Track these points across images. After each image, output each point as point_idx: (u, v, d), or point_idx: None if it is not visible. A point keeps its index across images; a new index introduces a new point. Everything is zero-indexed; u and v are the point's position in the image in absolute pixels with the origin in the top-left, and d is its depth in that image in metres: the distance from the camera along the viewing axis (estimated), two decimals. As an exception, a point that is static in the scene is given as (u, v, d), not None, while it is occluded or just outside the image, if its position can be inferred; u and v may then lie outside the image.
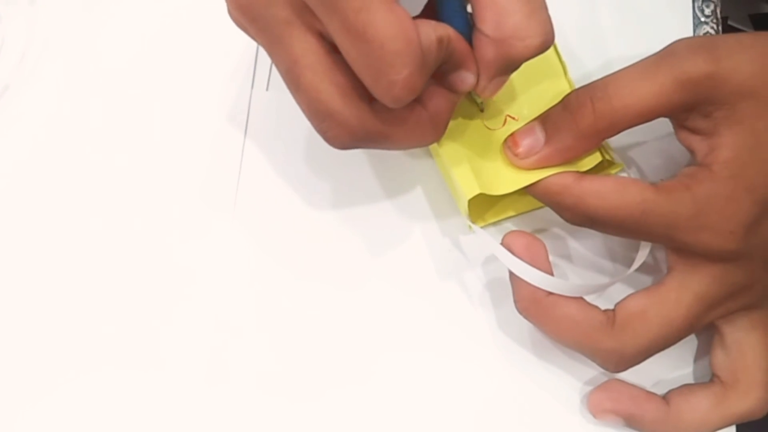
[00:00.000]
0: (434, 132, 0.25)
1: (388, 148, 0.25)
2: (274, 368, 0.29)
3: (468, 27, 0.24)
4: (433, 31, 0.22)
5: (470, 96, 0.28)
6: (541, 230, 0.31)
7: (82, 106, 0.32)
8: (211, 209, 0.31)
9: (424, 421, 0.29)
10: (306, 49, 0.22)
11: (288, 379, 0.29)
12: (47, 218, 0.31)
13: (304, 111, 0.24)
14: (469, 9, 0.24)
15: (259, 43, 0.24)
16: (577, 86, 0.28)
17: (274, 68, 0.33)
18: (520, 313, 0.27)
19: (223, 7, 0.30)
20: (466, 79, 0.24)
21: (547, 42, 0.23)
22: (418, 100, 0.24)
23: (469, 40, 0.24)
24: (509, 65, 0.24)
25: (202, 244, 0.31)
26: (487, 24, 0.23)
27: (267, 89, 0.33)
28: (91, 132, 0.32)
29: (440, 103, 0.25)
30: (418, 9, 0.25)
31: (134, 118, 0.32)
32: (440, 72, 0.24)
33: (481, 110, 0.28)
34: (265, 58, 0.33)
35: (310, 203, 0.31)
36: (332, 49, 0.22)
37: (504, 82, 0.25)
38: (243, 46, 0.33)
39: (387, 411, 0.29)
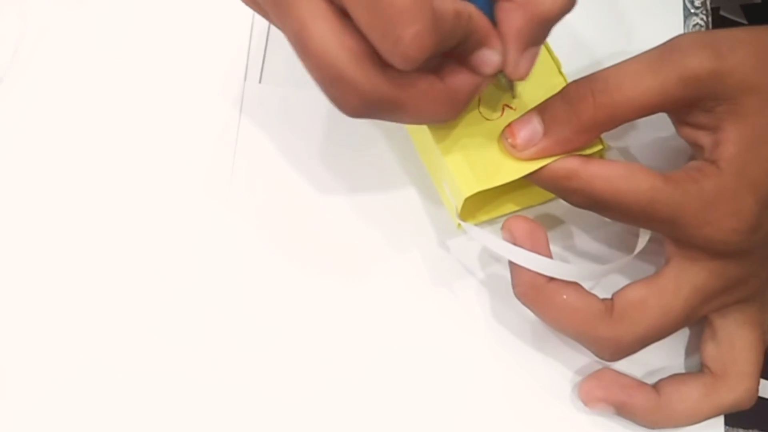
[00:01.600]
0: (451, 108, 0.24)
1: (401, 120, 0.24)
2: (269, 362, 0.29)
3: (489, 7, 0.24)
4: (451, 2, 0.22)
5: (499, 83, 0.28)
6: (542, 221, 0.31)
7: (75, 100, 0.32)
8: (204, 202, 0.31)
9: (417, 410, 0.29)
10: (314, 12, 0.22)
11: (283, 372, 0.29)
12: (41, 212, 0.31)
13: (314, 77, 0.23)
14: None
15: (265, 12, 0.24)
16: (569, 79, 0.28)
17: (267, 60, 0.33)
18: (519, 298, 0.27)
19: (217, 0, 0.30)
20: (490, 57, 0.24)
21: None
22: (436, 74, 0.24)
23: (492, 20, 0.24)
24: (538, 30, 0.24)
25: (195, 236, 0.31)
26: None
27: (260, 81, 0.32)
28: (85, 125, 0.32)
29: (460, 80, 0.24)
30: None
31: (127, 111, 0.32)
32: (463, 52, 0.24)
33: (513, 97, 0.28)
34: (258, 50, 0.33)
35: (303, 196, 0.31)
36: (341, 13, 0.22)
37: (535, 56, 0.25)
38: (236, 38, 0.33)
39: (381, 401, 0.29)
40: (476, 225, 0.30)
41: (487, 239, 0.27)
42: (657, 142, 0.32)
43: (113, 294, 0.30)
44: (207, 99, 0.32)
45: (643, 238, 0.28)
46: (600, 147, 0.27)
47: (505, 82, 0.27)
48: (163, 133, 0.32)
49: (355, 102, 0.23)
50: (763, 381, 0.28)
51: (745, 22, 0.62)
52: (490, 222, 0.31)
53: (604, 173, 0.25)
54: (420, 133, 0.29)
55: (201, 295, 0.30)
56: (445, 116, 0.25)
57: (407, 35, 0.21)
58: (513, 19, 0.23)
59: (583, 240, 0.31)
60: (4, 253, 0.30)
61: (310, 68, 0.23)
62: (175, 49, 0.33)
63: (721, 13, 0.62)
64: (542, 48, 0.28)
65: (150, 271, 0.30)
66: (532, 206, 0.31)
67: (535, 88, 0.28)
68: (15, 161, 0.31)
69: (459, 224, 0.29)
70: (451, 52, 0.24)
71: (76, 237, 0.30)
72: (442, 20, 0.21)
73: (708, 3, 0.35)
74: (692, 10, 0.34)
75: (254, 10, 0.25)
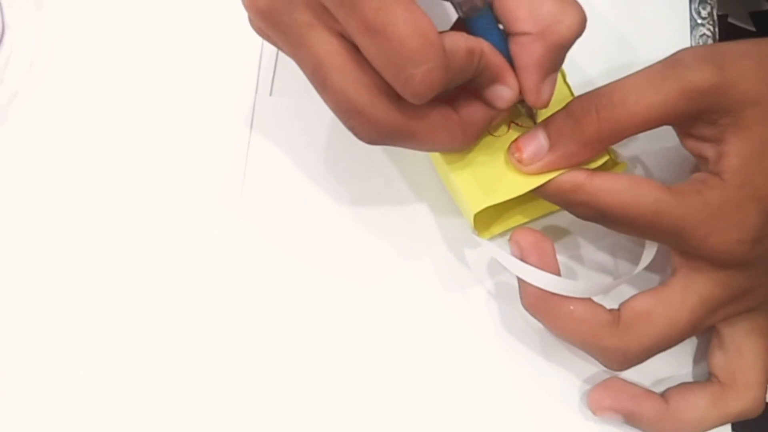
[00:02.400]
0: (464, 137, 0.26)
1: (416, 147, 0.26)
2: (281, 366, 0.30)
3: (503, 42, 0.25)
4: (464, 41, 0.23)
5: (519, 111, 0.28)
6: (548, 232, 0.31)
7: (90, 112, 0.33)
8: (216, 212, 0.32)
9: (426, 414, 0.30)
10: (329, 50, 0.23)
11: (294, 377, 0.30)
12: (58, 220, 0.32)
13: (332, 110, 0.24)
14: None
15: (281, 48, 0.25)
16: (575, 91, 0.29)
17: (277, 73, 0.33)
18: (527, 309, 0.28)
19: (228, 14, 0.31)
20: (503, 93, 0.25)
21: (583, 19, 0.24)
22: (451, 105, 0.25)
23: (506, 55, 0.25)
24: (556, 56, 0.25)
25: (207, 244, 0.31)
26: (523, 22, 0.24)
27: (270, 94, 0.33)
28: (99, 137, 0.32)
29: (474, 113, 0.25)
30: (444, 27, 0.26)
31: (141, 123, 0.33)
32: (477, 86, 0.25)
33: (534, 122, 0.28)
34: (269, 63, 0.33)
35: (314, 206, 0.32)
36: (354, 48, 0.23)
37: (554, 82, 0.26)
38: (247, 52, 0.33)
39: (391, 407, 0.30)
40: (491, 238, 0.31)
41: (498, 254, 0.28)
42: (664, 152, 0.32)
43: (125, 298, 0.31)
44: (219, 111, 0.33)
45: (650, 251, 0.29)
46: (606, 158, 0.28)
47: (525, 111, 0.28)
48: (176, 145, 0.32)
49: (372, 133, 0.24)
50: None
51: (753, 29, 0.62)
52: (502, 234, 0.31)
53: (609, 186, 0.26)
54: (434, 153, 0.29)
55: (213, 300, 0.31)
56: (458, 146, 0.26)
57: (417, 74, 0.22)
58: (531, 50, 0.24)
59: (589, 250, 0.31)
60: (28, 259, 0.31)
61: (329, 102, 0.24)
62: (187, 63, 0.33)
63: (729, 20, 0.62)
64: None
65: (163, 277, 0.31)
66: (543, 216, 0.31)
67: None
68: (32, 172, 0.32)
69: (476, 239, 0.30)
70: (466, 85, 0.25)
71: (92, 244, 0.31)
72: (454, 58, 0.22)
73: (715, 14, 0.35)
74: (699, 21, 0.34)
75: (266, 40, 0.26)
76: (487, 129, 0.26)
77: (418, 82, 0.22)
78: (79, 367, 0.30)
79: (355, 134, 0.24)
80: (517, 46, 0.24)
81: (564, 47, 0.24)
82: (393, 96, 0.23)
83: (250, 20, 0.25)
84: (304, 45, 0.23)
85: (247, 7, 0.24)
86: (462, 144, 0.26)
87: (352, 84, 0.23)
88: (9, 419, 0.30)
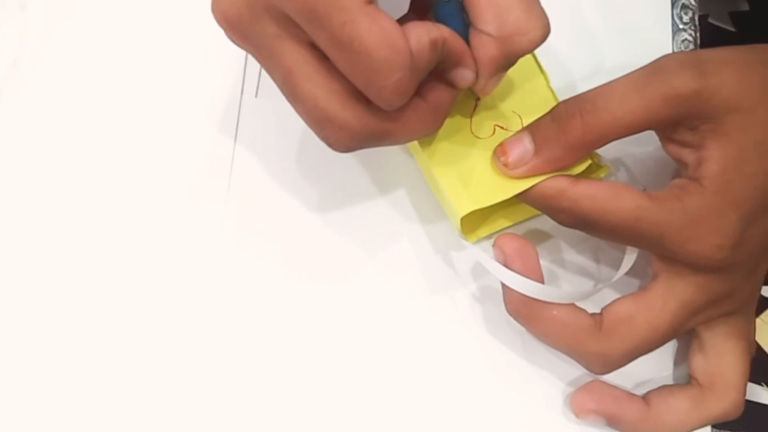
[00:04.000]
0: (435, 122, 0.26)
1: (391, 144, 0.26)
2: (263, 369, 0.30)
3: (465, 27, 0.25)
4: (426, 33, 0.23)
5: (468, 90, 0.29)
6: (531, 236, 0.31)
7: (74, 111, 0.32)
8: (202, 212, 0.31)
9: (411, 417, 0.30)
10: (298, 60, 0.23)
11: (276, 376, 0.30)
12: (41, 218, 0.31)
13: (304, 119, 0.24)
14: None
15: (253, 56, 0.25)
16: (558, 95, 0.29)
17: (262, 75, 0.33)
18: (510, 314, 0.28)
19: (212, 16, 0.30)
20: (465, 75, 0.25)
21: (546, 34, 0.24)
22: (417, 93, 0.25)
23: (466, 39, 0.25)
24: (510, 61, 0.25)
25: (193, 245, 0.31)
26: (487, 23, 0.24)
27: (256, 96, 0.33)
28: (83, 136, 0.32)
29: (440, 96, 0.25)
30: (402, 11, 0.26)
31: (125, 123, 0.32)
32: (439, 70, 0.25)
33: (477, 98, 0.29)
34: (253, 65, 0.33)
35: (299, 207, 0.32)
36: (323, 56, 0.23)
37: (501, 78, 0.26)
38: (232, 53, 0.33)
39: (374, 407, 0.30)
40: (476, 242, 0.31)
41: (483, 259, 0.28)
42: (646, 156, 0.32)
43: (110, 296, 0.31)
44: (205, 112, 0.33)
45: (630, 256, 0.29)
46: (589, 163, 0.28)
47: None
48: (161, 145, 0.32)
49: (346, 140, 0.24)
50: (749, 384, 0.29)
51: (732, 29, 0.63)
52: (487, 238, 0.31)
53: (590, 192, 0.26)
54: (417, 152, 0.29)
55: (199, 298, 0.31)
56: (430, 131, 0.26)
57: (389, 85, 0.22)
58: (489, 49, 0.24)
59: (571, 254, 0.32)
60: (17, 256, 0.31)
61: (300, 112, 0.24)
62: (172, 64, 0.33)
63: (710, 20, 0.62)
64: (532, 63, 0.29)
65: (149, 274, 0.31)
66: (529, 219, 0.31)
67: (525, 103, 0.29)
68: (16, 171, 0.32)
69: (463, 242, 0.30)
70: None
71: (77, 244, 0.31)
72: (420, 59, 0.23)
73: (696, 19, 0.35)
74: (681, 26, 0.35)
75: (241, 49, 0.25)
76: (451, 108, 0.26)
77: (390, 93, 0.22)
78: (66, 358, 0.30)
79: (329, 144, 0.24)
80: (476, 40, 0.25)
81: (520, 56, 0.25)
82: (364, 100, 0.23)
83: (222, 28, 0.25)
84: (273, 56, 0.23)
85: (216, 19, 0.24)
86: (434, 128, 0.26)
87: (321, 92, 0.23)
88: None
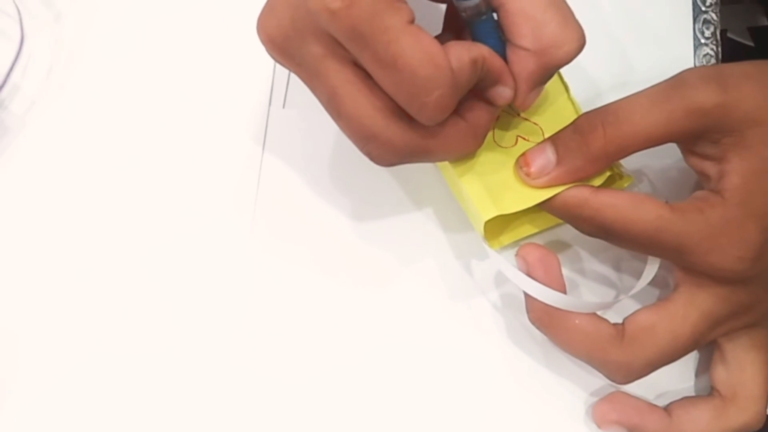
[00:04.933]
0: (474, 142, 0.27)
1: (431, 161, 0.27)
2: (282, 373, 0.31)
3: (502, 45, 0.25)
4: (467, 53, 0.24)
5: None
6: (553, 246, 0.32)
7: (105, 121, 0.33)
8: (230, 221, 0.32)
9: (431, 425, 0.30)
10: (343, 79, 0.24)
11: (296, 381, 0.31)
12: (75, 226, 0.32)
13: (348, 135, 0.25)
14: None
15: (297, 75, 0.26)
16: (582, 107, 0.29)
17: (290, 86, 0.34)
18: (533, 323, 0.28)
19: (243, 28, 0.31)
20: (504, 93, 0.26)
21: (582, 45, 0.25)
22: (456, 113, 0.26)
23: (503, 56, 0.25)
24: (549, 74, 0.26)
25: (221, 254, 0.32)
26: (525, 38, 0.25)
27: (283, 107, 0.34)
28: (114, 145, 0.33)
29: (479, 115, 0.26)
30: (435, 31, 0.27)
31: (156, 133, 0.33)
32: (478, 88, 0.25)
33: (518, 114, 0.29)
34: (281, 76, 0.34)
35: (325, 216, 0.32)
36: (367, 75, 0.24)
37: (540, 92, 0.27)
38: (261, 65, 0.34)
39: (395, 414, 0.30)
40: (499, 250, 0.31)
41: (505, 268, 0.28)
42: (668, 168, 0.33)
43: (143, 303, 0.31)
44: (234, 123, 0.33)
45: (652, 267, 0.29)
46: (609, 174, 0.28)
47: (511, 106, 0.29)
48: (191, 155, 0.33)
49: (389, 156, 0.25)
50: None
51: (751, 44, 0.63)
52: (510, 245, 0.32)
53: (613, 202, 0.26)
54: (443, 163, 0.30)
55: (225, 306, 0.31)
56: (469, 150, 0.27)
57: (431, 101, 0.23)
58: (526, 64, 0.25)
59: (592, 264, 0.32)
60: (51, 259, 0.32)
61: (345, 129, 0.25)
62: (202, 75, 0.34)
63: (729, 35, 0.62)
64: (555, 75, 0.30)
65: (178, 284, 0.32)
66: (551, 228, 0.32)
67: (547, 115, 0.29)
68: (49, 180, 0.33)
69: (487, 250, 0.30)
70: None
71: (107, 249, 0.32)
72: (461, 75, 0.23)
73: (718, 34, 0.35)
74: (702, 41, 0.35)
75: (282, 66, 0.26)
76: (491, 127, 0.27)
77: (431, 108, 0.23)
78: (78, 365, 0.31)
79: (372, 159, 0.25)
80: (513, 55, 0.25)
81: (557, 68, 0.25)
82: (406, 117, 0.24)
83: (267, 50, 0.26)
84: (318, 75, 0.24)
85: (261, 39, 0.25)
86: (473, 147, 0.27)
87: (365, 110, 0.24)
88: (14, 415, 0.30)
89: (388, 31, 0.22)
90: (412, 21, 0.23)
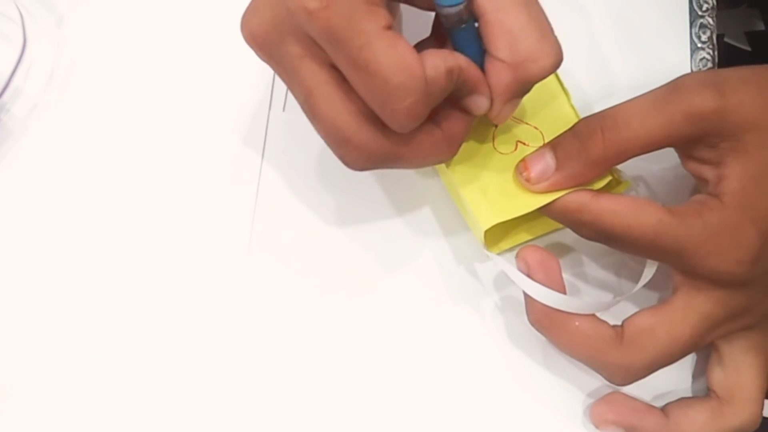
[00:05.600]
0: (448, 150, 0.26)
1: (404, 167, 0.27)
2: (282, 375, 0.31)
3: (481, 54, 0.25)
4: (443, 62, 0.24)
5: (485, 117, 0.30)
6: (553, 250, 0.32)
7: (105, 123, 0.33)
8: (229, 224, 0.32)
9: (431, 426, 0.30)
10: (319, 80, 0.24)
11: (295, 382, 0.31)
12: (76, 230, 0.32)
13: (322, 137, 0.25)
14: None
15: (277, 74, 0.26)
16: (580, 113, 0.29)
17: (290, 90, 0.34)
18: (532, 325, 0.29)
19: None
20: (480, 102, 0.26)
21: (558, 61, 0.25)
22: (432, 121, 0.26)
23: (482, 66, 0.25)
24: (524, 87, 0.26)
25: (220, 256, 0.32)
26: (501, 50, 0.25)
27: (284, 110, 0.34)
28: (116, 149, 0.33)
29: (455, 124, 0.26)
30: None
31: (156, 137, 0.33)
32: (455, 96, 0.25)
33: (495, 126, 0.29)
34: (281, 80, 0.34)
35: (326, 219, 0.32)
36: (343, 78, 0.24)
37: (516, 105, 0.27)
38: (260, 69, 0.34)
39: (397, 416, 0.31)
40: (500, 254, 0.31)
41: (507, 269, 0.28)
42: (665, 172, 0.33)
43: (141, 305, 0.32)
44: (234, 126, 0.33)
45: (650, 269, 0.29)
46: (609, 179, 0.29)
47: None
48: (191, 158, 0.33)
49: (361, 160, 0.25)
50: (766, 401, 0.29)
51: (748, 48, 0.63)
52: (510, 250, 0.32)
53: (612, 207, 0.27)
54: (441, 167, 0.30)
55: (224, 313, 0.31)
56: (443, 158, 0.27)
57: (402, 109, 0.23)
58: (502, 76, 0.25)
59: (592, 267, 0.32)
60: (46, 265, 0.32)
61: (319, 130, 0.25)
62: (202, 78, 0.34)
63: (726, 39, 0.63)
64: (555, 81, 0.30)
65: (177, 287, 0.32)
66: (551, 232, 0.32)
67: (547, 121, 0.30)
68: (50, 183, 0.33)
69: (487, 255, 0.30)
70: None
71: (106, 252, 0.32)
72: (435, 85, 0.23)
73: (714, 38, 0.36)
74: (699, 45, 0.35)
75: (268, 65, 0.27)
76: (466, 136, 0.27)
77: (403, 116, 0.23)
78: (77, 366, 0.31)
79: (345, 162, 0.25)
80: (491, 66, 0.25)
81: (533, 83, 0.25)
82: (379, 123, 0.24)
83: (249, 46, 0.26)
84: (295, 75, 0.25)
85: (244, 37, 0.26)
86: (447, 156, 0.27)
87: (340, 113, 0.24)
88: (14, 417, 0.30)
89: (362, 35, 0.22)
90: (389, 27, 0.23)
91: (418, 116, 0.24)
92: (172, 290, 0.32)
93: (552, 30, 0.25)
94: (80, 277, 0.32)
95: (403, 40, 0.23)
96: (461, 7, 0.24)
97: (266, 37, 0.25)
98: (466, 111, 0.26)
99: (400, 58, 0.22)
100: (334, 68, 0.24)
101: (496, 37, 0.24)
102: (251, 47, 0.26)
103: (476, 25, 0.25)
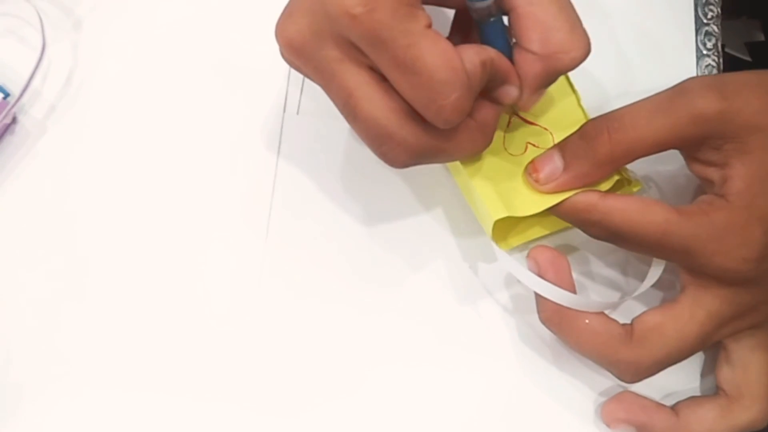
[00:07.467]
0: (483, 140, 0.27)
1: (444, 161, 0.27)
2: (294, 373, 0.31)
3: (509, 47, 0.26)
4: (476, 55, 0.24)
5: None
6: (561, 249, 0.32)
7: (123, 127, 0.34)
8: (246, 227, 0.33)
9: (441, 427, 0.31)
10: (359, 81, 0.25)
11: (306, 382, 0.31)
12: (93, 230, 0.32)
13: (363, 138, 0.26)
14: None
15: (313, 80, 0.26)
16: (589, 114, 0.30)
17: (304, 93, 0.35)
18: (543, 323, 0.29)
19: (258, 36, 0.32)
20: (511, 92, 0.27)
21: (587, 53, 0.26)
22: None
23: (510, 58, 0.26)
24: (553, 78, 0.26)
25: (237, 259, 0.32)
26: (533, 42, 0.26)
27: (297, 113, 0.34)
28: (132, 151, 0.34)
29: (487, 114, 0.27)
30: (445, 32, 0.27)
31: (172, 139, 0.34)
32: (485, 88, 0.26)
33: (511, 115, 0.30)
34: (296, 83, 0.35)
35: (339, 222, 0.33)
36: (381, 77, 0.24)
37: (543, 94, 0.28)
38: (275, 73, 0.35)
39: (406, 417, 0.31)
40: (509, 250, 0.32)
41: (516, 270, 0.29)
42: (670, 174, 0.33)
43: (156, 311, 0.32)
44: (248, 130, 0.34)
45: (657, 268, 0.30)
46: (615, 179, 0.29)
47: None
48: (206, 161, 0.33)
49: (403, 157, 0.25)
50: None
51: (748, 58, 0.64)
52: (520, 248, 0.32)
53: (620, 206, 0.27)
54: (455, 167, 0.31)
55: (240, 315, 0.32)
56: (480, 148, 0.27)
57: (448, 104, 0.23)
58: (532, 67, 0.26)
59: (599, 267, 0.33)
60: (60, 270, 0.32)
61: (360, 131, 0.25)
62: (218, 82, 0.34)
63: (726, 50, 0.63)
64: (564, 82, 0.31)
65: (192, 290, 0.32)
66: (558, 231, 0.32)
67: (557, 122, 0.30)
68: (68, 185, 0.33)
69: (496, 252, 0.30)
70: None
71: (121, 256, 0.32)
72: (474, 78, 0.24)
73: (719, 46, 0.37)
74: (704, 52, 0.36)
75: (297, 71, 0.27)
76: (497, 124, 0.28)
77: (449, 111, 0.24)
78: (80, 368, 0.31)
79: (387, 160, 0.26)
80: (521, 58, 0.26)
81: (562, 73, 0.26)
82: (420, 119, 0.25)
83: (282, 54, 0.26)
84: (334, 78, 0.25)
85: (279, 44, 0.26)
86: (484, 145, 0.27)
87: (381, 111, 0.24)
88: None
89: (408, 35, 0.23)
90: (429, 25, 0.24)
91: (464, 110, 0.24)
92: (185, 294, 0.32)
93: (581, 23, 0.26)
94: (95, 276, 0.32)
95: (443, 38, 0.24)
96: (491, 1, 0.25)
97: (305, 43, 0.25)
98: (495, 102, 0.27)
99: (445, 55, 0.23)
100: (372, 70, 0.25)
101: (528, 29, 0.25)
102: (287, 53, 0.26)
103: (504, 19, 0.26)
